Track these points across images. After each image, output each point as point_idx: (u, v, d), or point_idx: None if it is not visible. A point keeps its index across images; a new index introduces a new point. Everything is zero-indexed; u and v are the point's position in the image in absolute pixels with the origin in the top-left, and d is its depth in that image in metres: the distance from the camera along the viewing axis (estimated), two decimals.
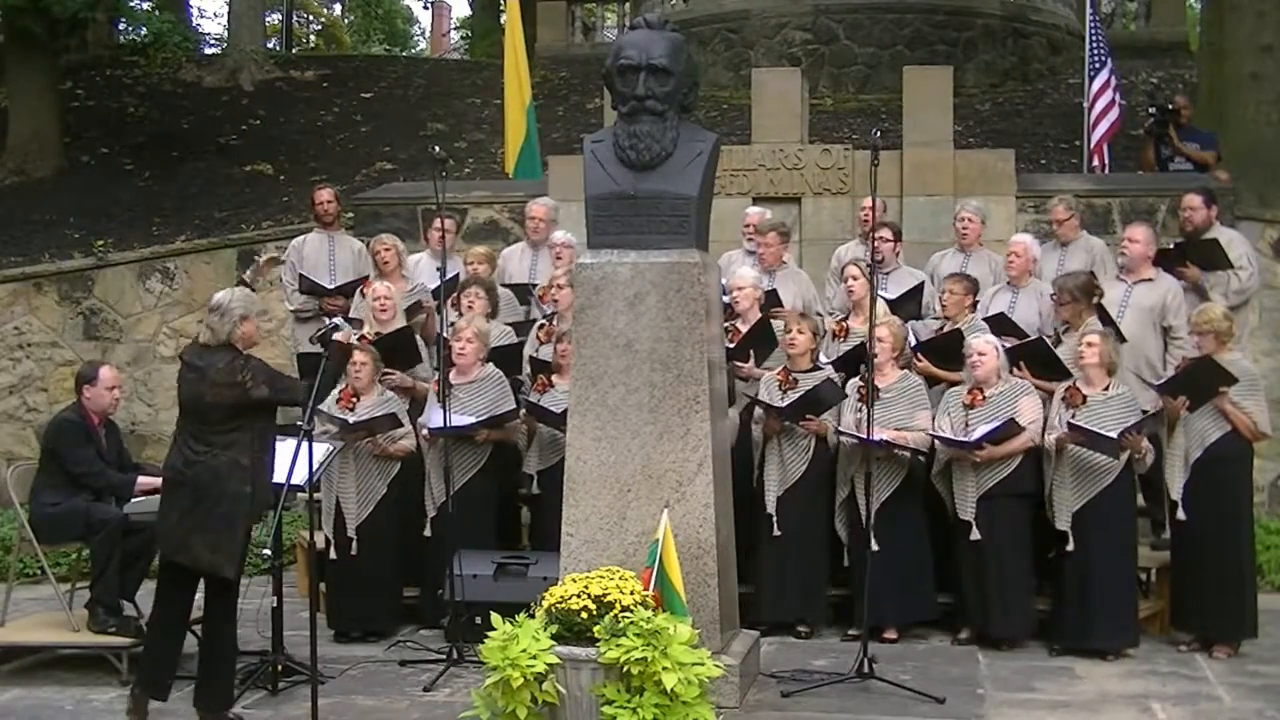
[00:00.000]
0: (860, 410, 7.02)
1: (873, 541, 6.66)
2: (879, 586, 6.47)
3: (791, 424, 7.14)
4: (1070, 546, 6.80)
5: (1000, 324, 7.53)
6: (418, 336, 8.05)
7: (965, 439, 6.89)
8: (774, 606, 7.18)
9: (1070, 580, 6.86)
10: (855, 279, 7.65)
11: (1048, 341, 7.38)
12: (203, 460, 5.64)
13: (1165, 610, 7.32)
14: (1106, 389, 6.86)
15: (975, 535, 6.90)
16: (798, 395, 7.12)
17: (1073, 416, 6.81)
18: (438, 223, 8.64)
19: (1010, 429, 6.85)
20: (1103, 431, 6.67)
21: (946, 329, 7.60)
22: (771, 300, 7.87)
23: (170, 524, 5.71)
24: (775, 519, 7.13)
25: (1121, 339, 7.37)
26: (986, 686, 6.30)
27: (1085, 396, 6.85)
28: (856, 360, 7.34)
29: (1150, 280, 7.67)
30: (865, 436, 6.67)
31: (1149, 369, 7.52)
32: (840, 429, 7.09)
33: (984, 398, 6.98)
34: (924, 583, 7.13)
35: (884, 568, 6.54)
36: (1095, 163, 10.88)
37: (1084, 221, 8.62)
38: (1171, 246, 7.99)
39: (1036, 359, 7.25)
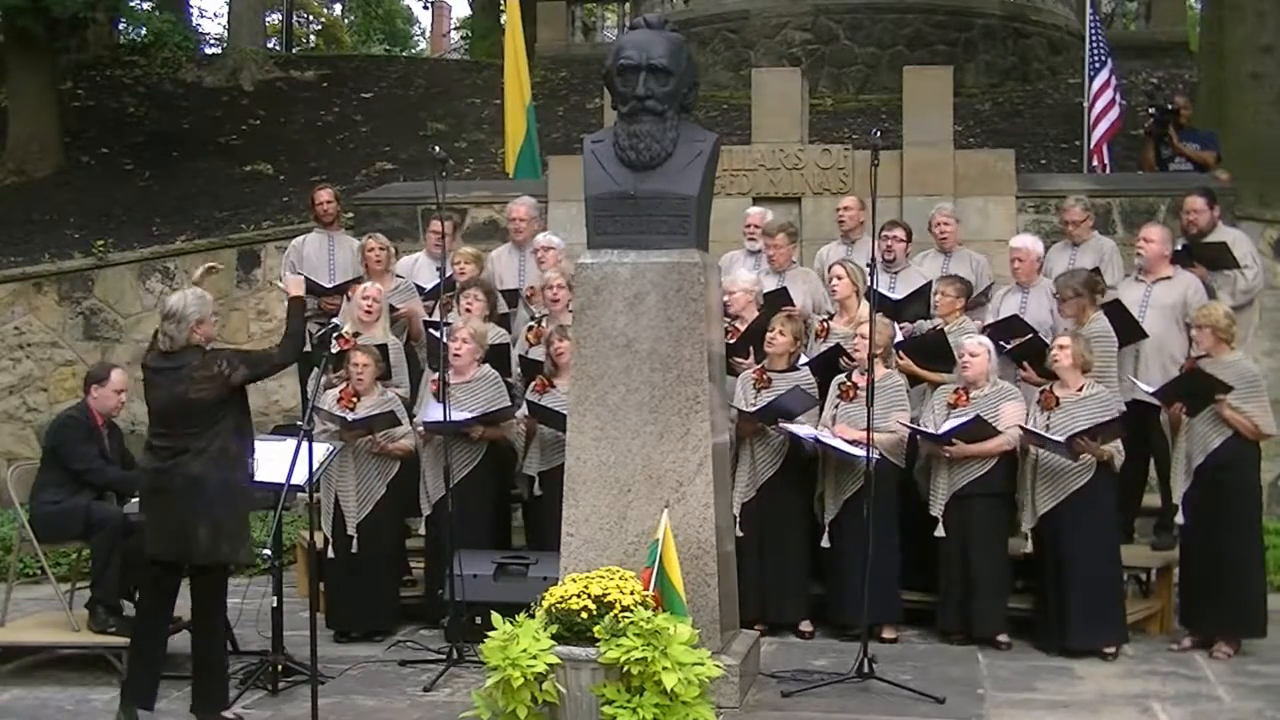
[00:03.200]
0: (838, 406, 7.05)
1: (824, 539, 6.94)
2: (848, 583, 6.46)
3: (764, 425, 7.12)
4: (1028, 548, 6.86)
5: (1014, 326, 7.53)
6: (400, 346, 8.01)
7: (935, 432, 6.90)
8: (752, 606, 7.10)
9: (1048, 581, 6.88)
10: (840, 279, 7.64)
11: (1044, 339, 7.38)
12: (187, 461, 5.63)
13: (1165, 610, 7.32)
14: (1080, 389, 6.87)
15: (939, 533, 6.92)
16: (769, 399, 7.11)
17: (1047, 419, 6.82)
18: (435, 224, 8.67)
19: (980, 428, 6.84)
20: (1052, 437, 6.69)
21: (935, 329, 7.61)
22: (783, 299, 7.87)
23: (172, 524, 5.68)
24: (739, 520, 7.00)
25: (1143, 335, 7.37)
26: (986, 686, 6.30)
27: (1058, 399, 6.85)
28: (833, 361, 7.34)
29: (1169, 278, 7.67)
30: (812, 434, 6.79)
31: (1175, 366, 7.47)
32: (785, 426, 7.04)
33: (968, 399, 6.99)
34: (890, 583, 7.04)
35: (850, 567, 6.53)
36: (1096, 163, 10.88)
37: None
38: (1179, 248, 7.97)
39: (1037, 356, 7.25)
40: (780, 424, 7.05)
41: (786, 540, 7.19)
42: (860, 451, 6.56)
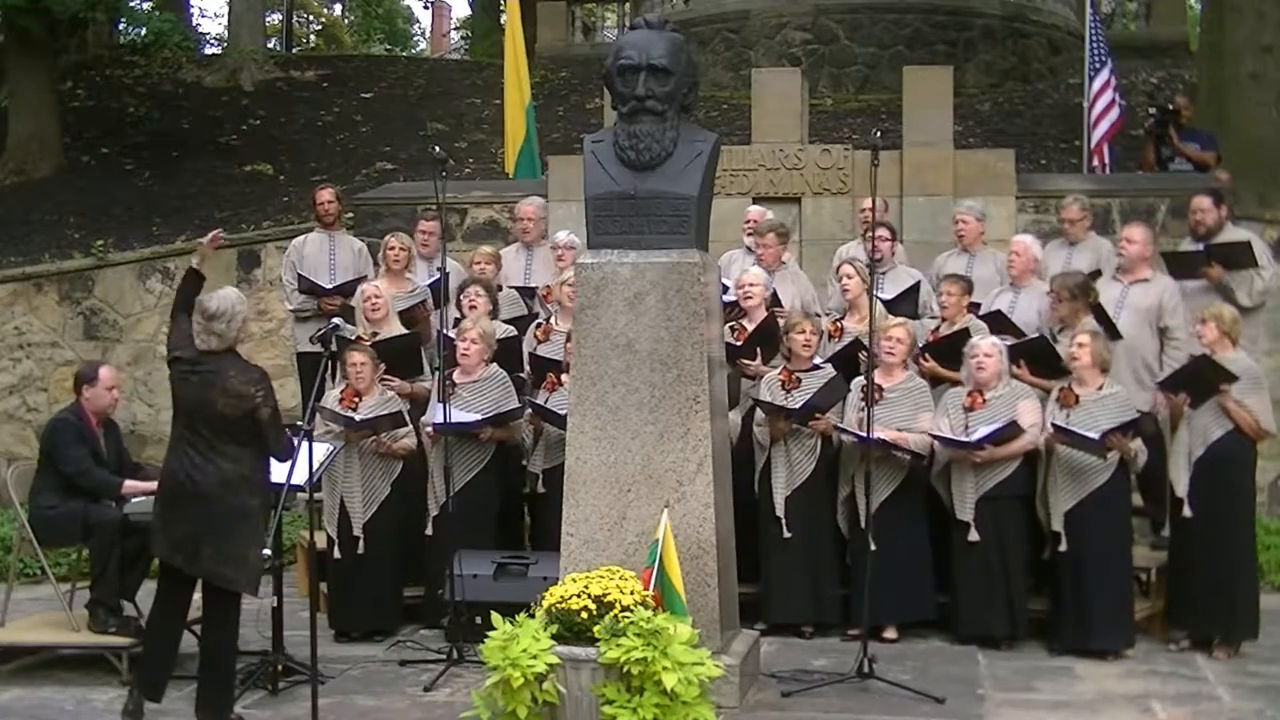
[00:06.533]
0: (863, 409, 7.03)
1: (870, 541, 6.74)
2: (878, 585, 6.47)
3: (799, 425, 7.14)
4: (1063, 547, 6.82)
5: (997, 322, 7.54)
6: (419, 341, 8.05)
7: (966, 439, 6.89)
8: (784, 608, 7.17)
9: (1065, 581, 6.87)
10: (850, 278, 7.65)
11: (1049, 340, 7.38)
12: (210, 469, 5.60)
13: (1165, 610, 7.32)
14: (1100, 388, 6.87)
15: (974, 536, 6.91)
16: (805, 397, 7.11)
17: (1066, 418, 6.82)
18: (423, 225, 8.69)
19: (1012, 430, 6.86)
20: (1085, 433, 6.69)
21: (943, 330, 7.60)
22: (772, 301, 7.87)
23: (180, 534, 5.64)
24: (785, 521, 7.11)
25: (1118, 337, 7.37)
26: (986, 686, 6.30)
27: (1078, 397, 6.85)
28: (850, 359, 7.35)
29: (1147, 280, 7.67)
30: (864, 435, 6.68)
31: (1145, 370, 7.52)
32: (839, 426, 7.09)
33: (984, 400, 6.99)
34: (922, 582, 7.12)
35: (882, 567, 6.53)
36: (1096, 163, 10.88)
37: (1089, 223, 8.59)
38: (1197, 251, 7.93)
39: (1038, 358, 7.26)
40: (837, 429, 7.06)
41: (823, 539, 7.20)
42: (906, 452, 6.73)
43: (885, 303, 7.79)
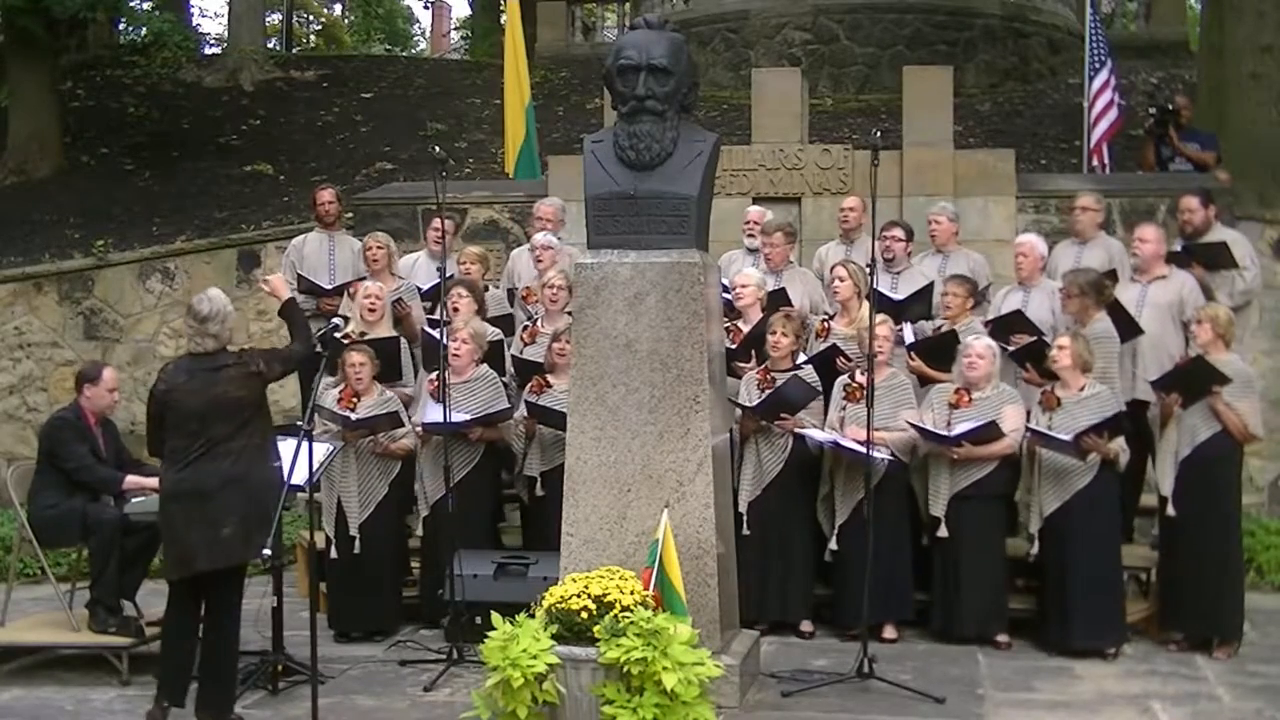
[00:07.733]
0: (845, 408, 7.05)
1: (833, 542, 6.93)
2: (856, 585, 6.50)
3: (767, 423, 7.14)
4: (1035, 550, 6.87)
5: (1017, 322, 7.53)
6: (406, 345, 8.02)
7: (946, 434, 6.90)
8: (753, 605, 7.14)
9: (1050, 581, 6.89)
10: (842, 280, 7.63)
11: (1047, 342, 7.38)
12: (233, 462, 5.63)
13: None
14: (1082, 389, 6.87)
15: (943, 532, 6.94)
16: (767, 394, 7.13)
17: (1049, 420, 6.83)
18: (436, 223, 8.67)
19: (991, 431, 6.86)
20: (1059, 436, 6.69)
21: (944, 330, 7.61)
22: (781, 300, 7.86)
23: (231, 528, 5.61)
24: (745, 518, 7.07)
25: (1138, 333, 7.39)
26: (986, 686, 6.30)
27: (1060, 400, 6.86)
28: (828, 362, 7.34)
29: (1164, 278, 7.70)
30: (830, 439, 6.73)
31: (1173, 364, 7.49)
32: (800, 429, 7.06)
33: (970, 399, 6.99)
34: (902, 581, 7.09)
35: (862, 566, 6.54)
36: (1095, 163, 10.89)
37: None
38: (1179, 249, 7.97)
39: (1040, 360, 7.25)
40: (796, 429, 7.07)
41: (791, 539, 7.19)
42: (876, 454, 6.65)
43: (897, 303, 7.80)
